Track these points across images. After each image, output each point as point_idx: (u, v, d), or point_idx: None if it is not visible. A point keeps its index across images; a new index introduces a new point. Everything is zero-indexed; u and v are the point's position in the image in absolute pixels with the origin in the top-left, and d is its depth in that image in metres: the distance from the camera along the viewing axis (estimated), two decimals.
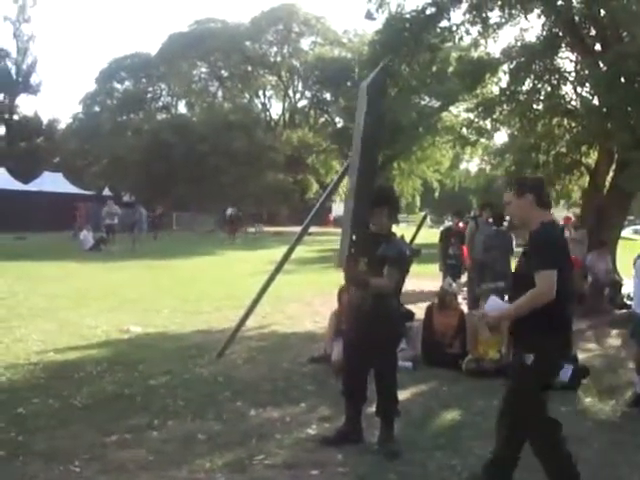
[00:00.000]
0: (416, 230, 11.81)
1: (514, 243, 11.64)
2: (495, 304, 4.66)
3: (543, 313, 4.22)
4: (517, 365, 4.47)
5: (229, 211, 39.89)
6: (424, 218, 13.77)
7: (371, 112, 5.82)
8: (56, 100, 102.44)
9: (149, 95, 66.52)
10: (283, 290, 13.47)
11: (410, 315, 9.03)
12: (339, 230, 6.00)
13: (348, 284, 5.58)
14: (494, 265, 11.04)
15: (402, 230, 6.03)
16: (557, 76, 15.86)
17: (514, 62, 15.51)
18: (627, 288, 12.60)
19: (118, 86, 64.74)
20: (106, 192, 45.60)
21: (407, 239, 6.23)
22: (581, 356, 8.52)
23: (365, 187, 5.71)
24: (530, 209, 4.48)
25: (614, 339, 10.80)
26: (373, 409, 5.62)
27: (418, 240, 11.10)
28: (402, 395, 6.29)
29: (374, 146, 6.23)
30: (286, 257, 8.39)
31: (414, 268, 5.82)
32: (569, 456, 4.49)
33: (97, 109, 63.06)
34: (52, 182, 42.37)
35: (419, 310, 9.73)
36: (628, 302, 12.19)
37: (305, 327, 10.81)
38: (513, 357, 4.71)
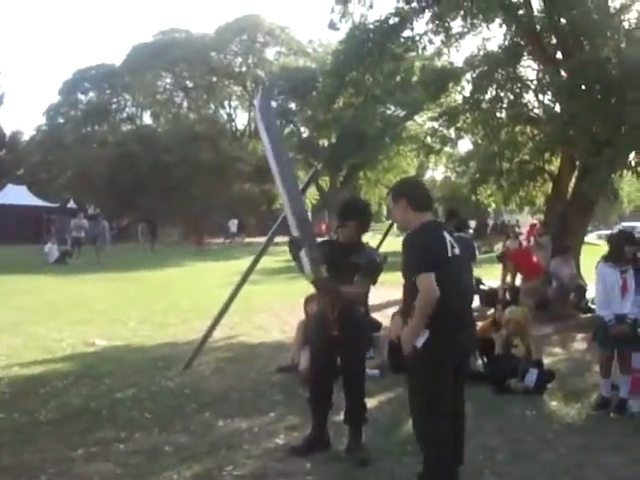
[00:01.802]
0: (382, 238, 11.86)
1: (477, 250, 11.74)
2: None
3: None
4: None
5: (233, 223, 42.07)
6: (390, 226, 13.82)
7: (270, 129, 5.94)
8: (19, 112, 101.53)
9: (114, 106, 66.02)
10: (251, 300, 13.44)
11: (377, 325, 9.06)
12: None
13: (318, 292, 5.54)
14: None
15: (368, 239, 6.03)
16: (519, 84, 16.06)
17: (477, 71, 15.68)
18: (591, 293, 12.75)
19: (82, 97, 64.19)
20: (71, 204, 45.19)
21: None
22: (547, 360, 8.60)
23: (295, 198, 5.68)
24: (405, 213, 4.61)
25: (579, 343, 10.90)
26: (341, 417, 5.63)
27: (384, 248, 11.15)
28: (370, 403, 6.30)
29: (288, 160, 6.41)
30: (252, 267, 8.38)
31: (380, 276, 5.86)
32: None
33: (61, 120, 62.47)
34: (16, 195, 41.87)
35: (385, 318, 9.76)
36: (592, 306, 12.33)
37: (273, 337, 10.79)
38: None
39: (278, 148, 5.82)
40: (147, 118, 66.67)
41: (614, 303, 6.82)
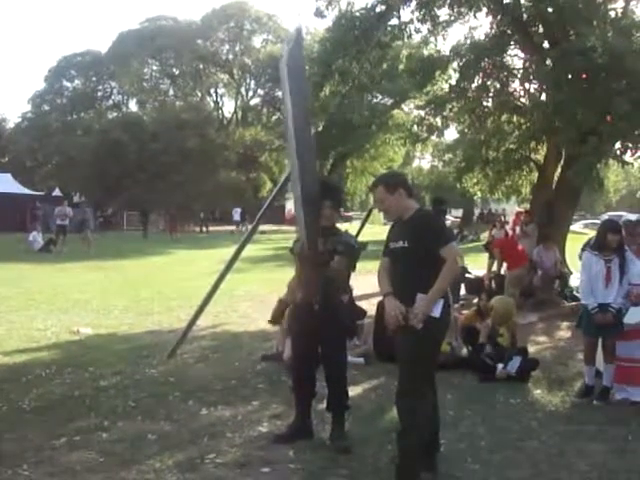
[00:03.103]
0: (361, 224, 11.87)
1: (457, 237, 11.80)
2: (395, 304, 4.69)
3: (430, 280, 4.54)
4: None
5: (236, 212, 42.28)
6: (369, 212, 13.82)
7: (295, 90, 5.54)
8: (4, 99, 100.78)
9: (99, 93, 65.74)
10: (236, 289, 13.43)
11: (362, 313, 9.05)
12: (292, 228, 5.95)
13: (305, 265, 5.44)
14: None
15: (354, 227, 6.04)
16: (506, 73, 16.03)
17: (463, 60, 15.61)
18: (575, 281, 12.79)
19: (68, 84, 63.85)
20: (56, 192, 44.96)
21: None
22: (531, 349, 8.64)
23: (308, 165, 5.50)
24: (402, 201, 4.81)
25: (564, 331, 10.96)
26: (324, 405, 5.63)
27: (369, 236, 11.13)
28: (354, 390, 6.33)
29: (307, 125, 6.01)
30: (236, 255, 8.35)
31: (364, 265, 5.85)
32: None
33: (46, 108, 62.14)
34: (0, 183, 41.60)
35: (371, 306, 9.76)
36: (577, 294, 12.39)
37: (257, 325, 10.77)
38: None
39: (302, 116, 5.59)
40: (133, 106, 66.49)
41: (598, 292, 6.85)
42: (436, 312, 4.56)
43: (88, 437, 5.51)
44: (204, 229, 46.36)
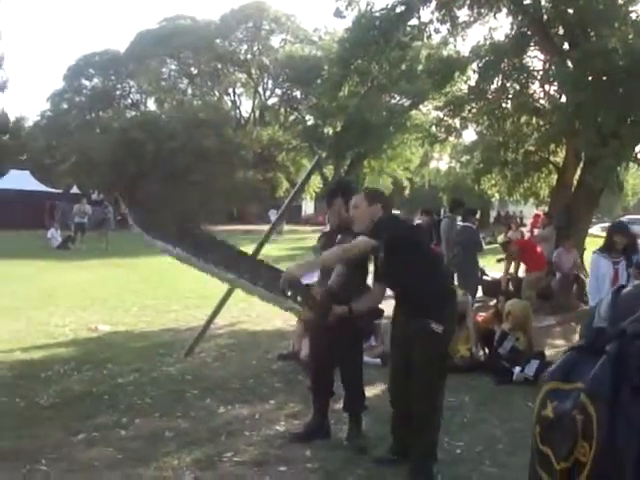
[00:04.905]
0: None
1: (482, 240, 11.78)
2: None
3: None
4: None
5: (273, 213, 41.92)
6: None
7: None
8: (23, 97, 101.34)
9: (118, 92, 65.87)
10: None
11: (379, 312, 9.02)
12: (308, 228, 5.91)
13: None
14: (457, 261, 11.23)
15: None
16: (525, 75, 16.00)
17: (483, 61, 15.60)
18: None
19: (86, 83, 64.00)
20: (74, 190, 45.14)
21: None
22: (548, 352, 8.59)
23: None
24: (376, 216, 4.84)
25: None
26: (341, 405, 5.63)
27: None
28: (371, 391, 6.31)
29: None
30: (255, 254, 8.36)
31: None
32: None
33: (65, 106, 62.31)
34: (19, 180, 41.79)
35: (388, 307, 9.73)
36: None
37: (274, 325, 10.78)
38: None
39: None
40: (151, 104, 66.55)
41: (604, 293, 6.81)
42: (307, 280, 4.68)
43: (106, 434, 5.54)
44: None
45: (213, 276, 5.09)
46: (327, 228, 5.77)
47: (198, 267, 5.09)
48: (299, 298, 4.72)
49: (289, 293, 4.62)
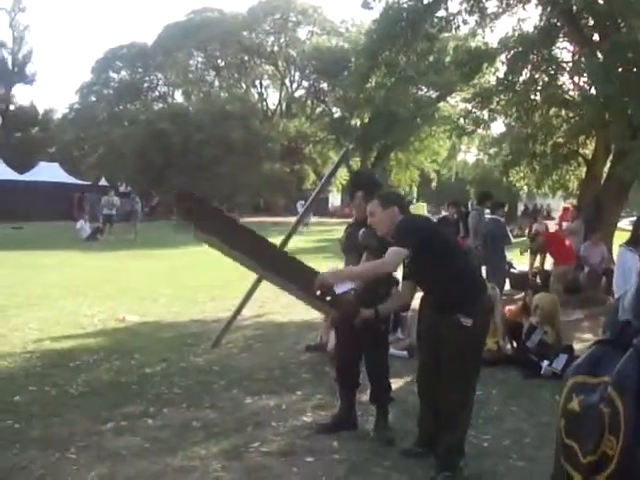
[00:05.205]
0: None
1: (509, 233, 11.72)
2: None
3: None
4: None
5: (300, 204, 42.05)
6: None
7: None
8: (52, 90, 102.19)
9: (146, 85, 66.15)
10: None
11: (406, 306, 9.01)
12: (335, 220, 5.87)
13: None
14: (485, 254, 11.21)
15: None
16: (554, 66, 15.85)
17: (511, 52, 15.48)
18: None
19: (114, 76, 64.34)
20: (102, 182, 45.48)
21: None
22: (577, 346, 8.52)
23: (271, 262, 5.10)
24: (394, 219, 4.81)
25: None
26: (368, 397, 5.63)
27: None
28: (398, 384, 6.32)
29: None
30: (282, 246, 8.36)
31: None
32: None
33: (93, 99, 62.68)
34: (48, 172, 42.22)
35: (415, 299, 9.71)
36: None
37: (301, 316, 10.78)
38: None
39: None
40: (179, 97, 66.76)
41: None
42: (339, 289, 4.71)
43: (134, 423, 5.58)
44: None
45: (248, 268, 5.12)
46: (353, 220, 5.74)
47: (236, 258, 5.08)
48: (328, 299, 4.80)
49: (318, 293, 4.72)
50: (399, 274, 5.63)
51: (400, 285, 5.21)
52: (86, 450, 4.99)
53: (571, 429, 1.89)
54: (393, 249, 4.55)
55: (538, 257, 14.82)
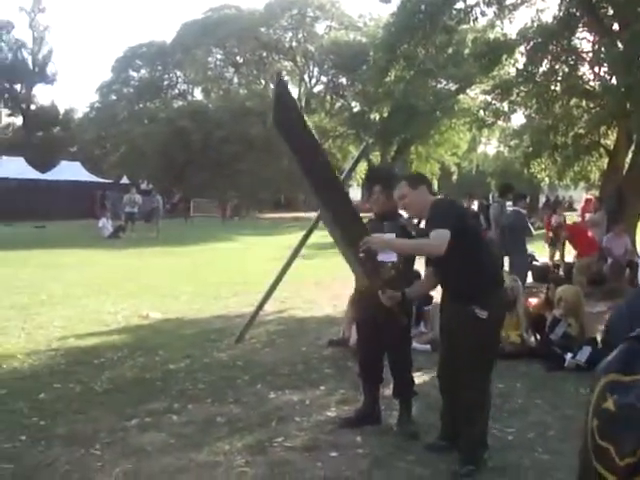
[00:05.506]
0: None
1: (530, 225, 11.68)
2: None
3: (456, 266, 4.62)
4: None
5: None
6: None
7: (299, 145, 5.26)
8: (72, 89, 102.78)
9: (165, 83, 66.47)
10: (302, 274, 13.46)
11: (428, 298, 9.00)
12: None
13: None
14: (507, 246, 11.18)
15: None
16: (574, 57, 15.76)
17: (531, 43, 15.38)
18: None
19: (134, 74, 64.70)
20: (124, 180, 45.73)
21: None
22: (600, 339, 8.47)
23: (341, 210, 5.16)
24: (426, 197, 4.79)
25: None
26: (391, 391, 5.63)
27: None
28: (421, 378, 6.31)
29: (327, 171, 5.46)
30: (303, 241, 8.39)
31: None
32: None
33: (114, 97, 63.07)
34: (70, 171, 42.53)
35: (438, 293, 9.69)
36: None
37: (324, 311, 10.81)
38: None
39: (319, 166, 5.24)
40: (198, 94, 67.01)
41: None
42: (381, 257, 4.81)
43: (159, 419, 5.61)
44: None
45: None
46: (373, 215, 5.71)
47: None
48: (367, 265, 4.90)
49: (361, 255, 4.75)
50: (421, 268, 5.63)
51: (425, 271, 5.17)
52: (111, 446, 5.02)
53: (606, 430, 1.85)
54: (437, 231, 4.45)
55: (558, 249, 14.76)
